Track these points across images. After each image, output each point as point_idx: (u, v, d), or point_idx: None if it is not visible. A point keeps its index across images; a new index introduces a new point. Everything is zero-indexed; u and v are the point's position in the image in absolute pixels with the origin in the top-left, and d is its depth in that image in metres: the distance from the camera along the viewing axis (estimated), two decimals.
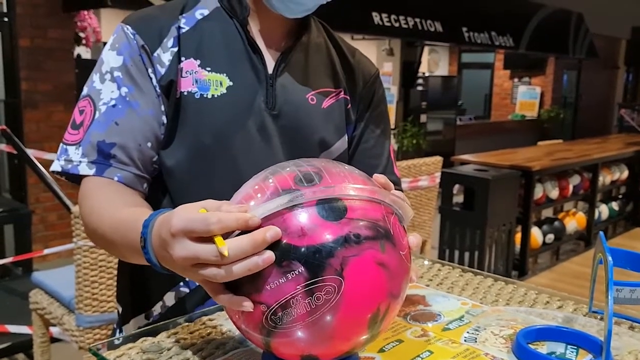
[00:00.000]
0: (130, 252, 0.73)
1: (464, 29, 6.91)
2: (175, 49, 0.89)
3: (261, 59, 0.92)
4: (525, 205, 3.99)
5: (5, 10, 4.01)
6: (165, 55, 0.88)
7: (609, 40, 10.75)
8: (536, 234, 4.17)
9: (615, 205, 5.16)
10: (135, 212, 0.75)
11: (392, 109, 7.08)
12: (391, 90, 6.99)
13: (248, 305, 0.56)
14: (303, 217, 0.57)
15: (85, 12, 4.37)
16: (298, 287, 0.55)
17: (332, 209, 0.58)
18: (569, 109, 11.05)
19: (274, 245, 0.56)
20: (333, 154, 0.98)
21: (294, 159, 0.65)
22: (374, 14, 5.82)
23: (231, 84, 0.89)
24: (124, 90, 0.86)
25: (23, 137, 4.00)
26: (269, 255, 0.55)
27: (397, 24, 6.04)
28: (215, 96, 0.88)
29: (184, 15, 0.92)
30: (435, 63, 10.05)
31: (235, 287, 0.58)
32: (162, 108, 0.88)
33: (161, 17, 0.91)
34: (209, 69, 0.89)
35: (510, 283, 0.98)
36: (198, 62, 0.89)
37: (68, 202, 3.01)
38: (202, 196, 0.78)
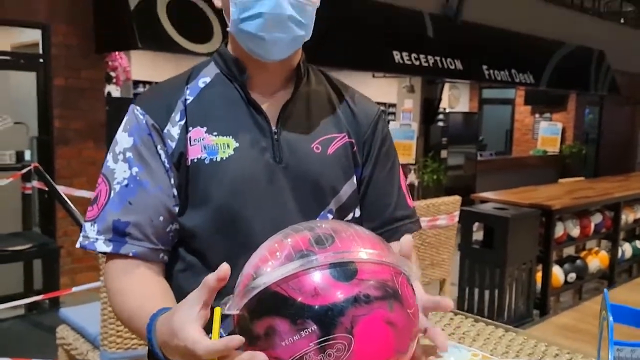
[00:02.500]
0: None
1: (484, 67, 6.97)
2: (183, 122, 0.95)
3: (264, 116, 0.97)
4: (545, 243, 3.97)
5: (41, 51, 4.20)
6: (174, 130, 0.95)
7: (632, 76, 10.70)
8: (557, 272, 4.13)
9: (639, 244, 5.09)
10: (145, 309, 0.83)
11: (412, 145, 7.09)
12: (412, 126, 7.02)
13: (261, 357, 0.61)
14: (317, 278, 0.62)
15: (117, 53, 4.55)
16: (311, 344, 0.60)
17: (344, 270, 0.63)
18: (591, 144, 10.95)
19: (289, 305, 0.61)
20: (342, 198, 1.01)
21: (307, 221, 0.70)
22: (394, 52, 5.93)
23: (237, 145, 0.94)
24: (135, 169, 0.93)
25: (54, 173, 4.13)
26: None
27: (417, 62, 6.13)
28: (224, 158, 0.93)
29: (188, 86, 0.99)
30: (455, 99, 10.11)
31: (252, 342, 0.63)
32: (172, 181, 0.94)
33: (169, 93, 0.98)
34: (215, 133, 0.95)
35: (520, 334, 1.01)
36: (204, 128, 0.95)
37: None
38: (224, 251, 0.89)
